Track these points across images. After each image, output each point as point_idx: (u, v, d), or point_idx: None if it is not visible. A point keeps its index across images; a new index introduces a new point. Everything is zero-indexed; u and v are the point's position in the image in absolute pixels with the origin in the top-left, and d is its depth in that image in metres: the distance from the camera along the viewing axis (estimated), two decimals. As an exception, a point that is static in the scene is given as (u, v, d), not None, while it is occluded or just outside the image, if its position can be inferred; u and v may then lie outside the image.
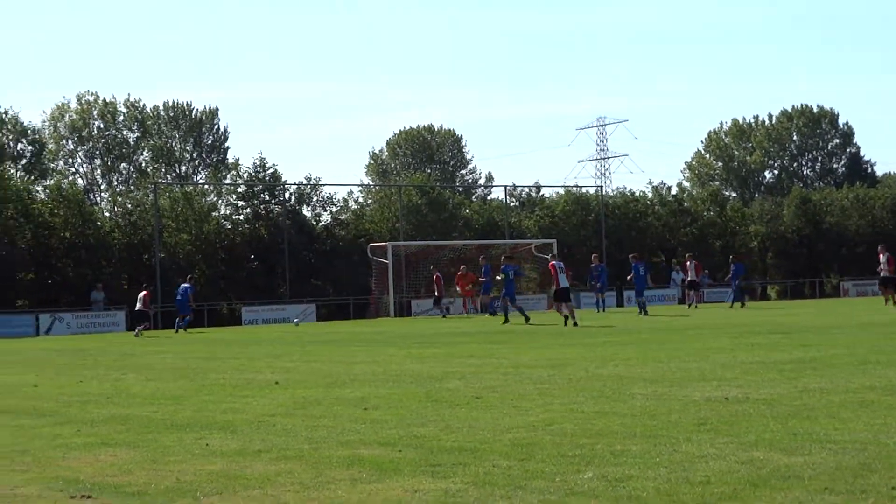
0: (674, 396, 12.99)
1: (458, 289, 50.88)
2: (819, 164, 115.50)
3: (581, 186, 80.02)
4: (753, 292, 70.55)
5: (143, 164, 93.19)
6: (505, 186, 69.73)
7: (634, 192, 76.06)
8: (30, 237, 54.08)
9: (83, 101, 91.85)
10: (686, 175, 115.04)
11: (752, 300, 61.93)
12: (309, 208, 63.70)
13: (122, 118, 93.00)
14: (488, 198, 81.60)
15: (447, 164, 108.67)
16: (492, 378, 16.23)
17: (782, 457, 8.71)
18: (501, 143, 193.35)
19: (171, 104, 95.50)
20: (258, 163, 62.39)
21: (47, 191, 61.46)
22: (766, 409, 11.58)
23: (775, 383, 14.04)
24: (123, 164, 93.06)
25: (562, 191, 73.82)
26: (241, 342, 32.10)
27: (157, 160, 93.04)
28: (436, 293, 49.28)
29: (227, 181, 65.88)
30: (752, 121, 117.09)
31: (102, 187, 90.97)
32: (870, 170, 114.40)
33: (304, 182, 63.11)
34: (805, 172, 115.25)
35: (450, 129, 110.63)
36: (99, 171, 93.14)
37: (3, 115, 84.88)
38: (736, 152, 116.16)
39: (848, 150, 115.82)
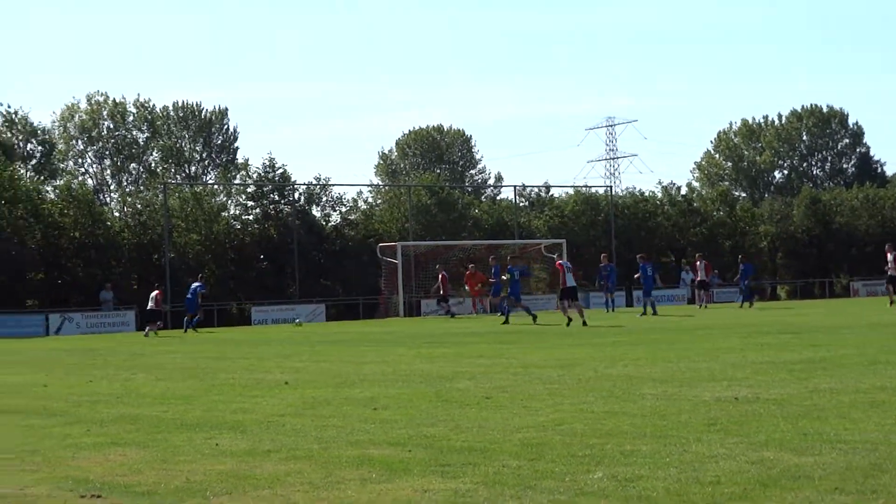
0: (684, 396, 12.97)
1: (466, 288, 50.85)
2: (829, 164, 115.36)
3: (590, 186, 79.92)
4: (763, 292, 70.43)
5: (153, 165, 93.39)
6: (514, 186, 69.92)
7: (644, 193, 76.00)
8: (40, 237, 54.17)
9: (93, 102, 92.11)
10: (695, 175, 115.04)
11: (762, 300, 61.86)
12: (318, 208, 63.80)
13: (131, 118, 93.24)
14: (498, 198, 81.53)
15: (456, 165, 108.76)
16: (501, 378, 16.22)
17: (793, 457, 8.70)
18: (511, 143, 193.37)
19: (180, 104, 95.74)
20: (267, 163, 62.50)
21: (57, 191, 61.59)
22: (776, 409, 11.56)
23: (785, 383, 14.02)
24: (133, 165, 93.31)
25: (571, 191, 73.79)
26: (250, 342, 32.12)
27: (167, 160, 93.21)
28: (440, 291, 49.17)
29: (237, 181, 65.94)
30: (762, 121, 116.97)
31: (112, 187, 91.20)
32: (879, 170, 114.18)
33: (314, 182, 63.20)
34: (815, 172, 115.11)
35: (459, 130, 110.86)
36: (108, 172, 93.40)
37: (14, 116, 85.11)
38: (745, 152, 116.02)
39: (858, 150, 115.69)
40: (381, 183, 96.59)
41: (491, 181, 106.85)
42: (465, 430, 10.78)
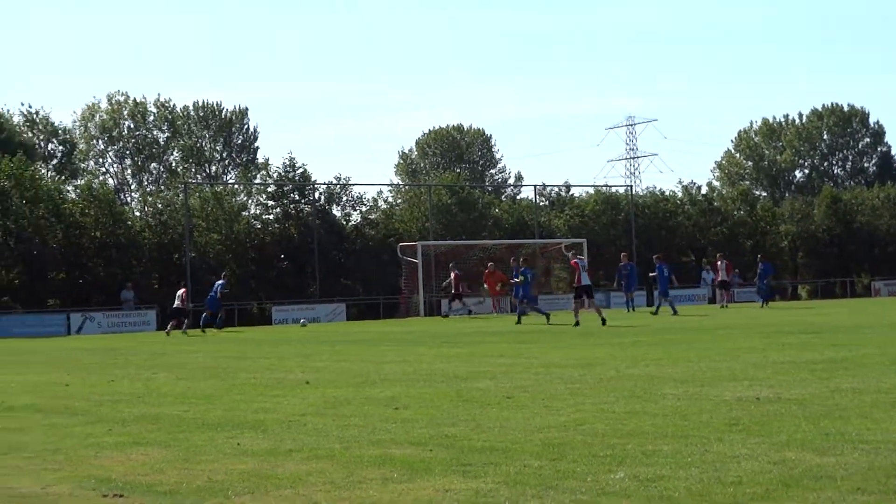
0: (705, 396, 12.95)
1: (485, 287, 50.76)
2: (850, 163, 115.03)
3: (611, 186, 79.85)
4: (784, 292, 70.32)
5: (173, 164, 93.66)
6: (534, 186, 69.85)
7: (664, 192, 75.96)
8: (61, 237, 54.36)
9: (114, 102, 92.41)
10: (716, 174, 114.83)
11: (783, 300, 61.73)
12: (338, 208, 63.95)
13: (152, 118, 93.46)
14: (518, 197, 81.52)
15: (476, 164, 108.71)
16: (522, 377, 16.22)
17: (814, 457, 8.68)
18: (531, 142, 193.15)
19: (200, 104, 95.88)
20: (288, 162, 62.68)
21: (78, 191, 61.87)
22: (797, 409, 11.53)
23: (807, 383, 13.98)
24: (154, 164, 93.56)
25: (591, 190, 73.72)
26: (271, 341, 32.17)
27: (187, 160, 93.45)
28: (452, 290, 48.95)
29: (257, 181, 66.02)
30: (783, 120, 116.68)
31: (133, 187, 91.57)
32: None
33: (334, 182, 63.34)
34: (835, 172, 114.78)
35: (479, 129, 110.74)
36: (129, 171, 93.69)
37: (35, 116, 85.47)
38: (766, 151, 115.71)
39: (879, 149, 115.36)
40: (401, 182, 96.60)
41: (511, 181, 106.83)
42: (486, 430, 10.78)
